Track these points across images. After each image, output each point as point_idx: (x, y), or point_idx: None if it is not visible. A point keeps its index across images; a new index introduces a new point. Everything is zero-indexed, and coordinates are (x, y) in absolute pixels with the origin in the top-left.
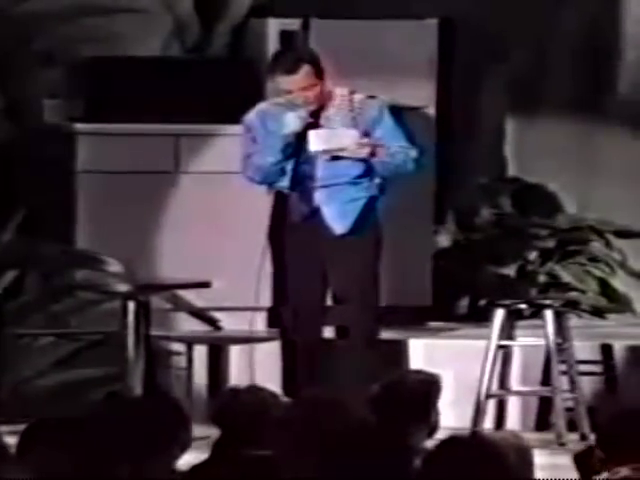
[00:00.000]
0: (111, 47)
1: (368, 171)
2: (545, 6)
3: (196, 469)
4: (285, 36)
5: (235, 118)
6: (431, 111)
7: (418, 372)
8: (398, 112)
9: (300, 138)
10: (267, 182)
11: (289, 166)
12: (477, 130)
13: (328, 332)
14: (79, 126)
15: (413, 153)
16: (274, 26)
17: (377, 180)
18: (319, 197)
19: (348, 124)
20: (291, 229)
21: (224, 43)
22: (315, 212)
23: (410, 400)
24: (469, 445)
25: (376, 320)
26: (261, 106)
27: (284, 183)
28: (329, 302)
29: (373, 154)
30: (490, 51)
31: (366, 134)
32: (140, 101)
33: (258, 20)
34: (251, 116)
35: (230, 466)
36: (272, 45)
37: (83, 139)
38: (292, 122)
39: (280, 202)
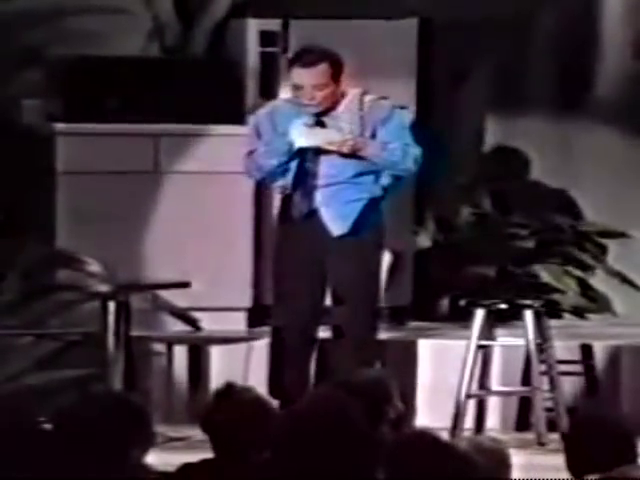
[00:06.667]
0: (90, 47)
1: (372, 171)
2: (526, 5)
3: (181, 470)
4: (265, 36)
5: (214, 118)
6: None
7: (370, 370)
8: (409, 115)
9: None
10: (267, 182)
11: (293, 164)
12: (457, 130)
13: (326, 332)
14: (58, 126)
15: (415, 151)
16: (254, 26)
17: (383, 181)
18: (319, 197)
19: (356, 123)
20: (289, 228)
21: (204, 43)
22: (314, 212)
23: (360, 398)
24: (422, 443)
25: (373, 322)
26: (272, 104)
27: (286, 182)
28: (328, 302)
29: (358, 149)
30: (470, 50)
31: (373, 134)
32: (119, 101)
33: (238, 20)
34: (261, 113)
35: (215, 469)
36: (252, 45)
37: (62, 139)
38: (298, 132)
39: (276, 201)
